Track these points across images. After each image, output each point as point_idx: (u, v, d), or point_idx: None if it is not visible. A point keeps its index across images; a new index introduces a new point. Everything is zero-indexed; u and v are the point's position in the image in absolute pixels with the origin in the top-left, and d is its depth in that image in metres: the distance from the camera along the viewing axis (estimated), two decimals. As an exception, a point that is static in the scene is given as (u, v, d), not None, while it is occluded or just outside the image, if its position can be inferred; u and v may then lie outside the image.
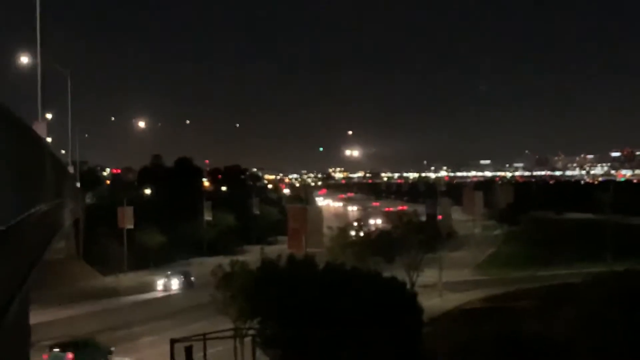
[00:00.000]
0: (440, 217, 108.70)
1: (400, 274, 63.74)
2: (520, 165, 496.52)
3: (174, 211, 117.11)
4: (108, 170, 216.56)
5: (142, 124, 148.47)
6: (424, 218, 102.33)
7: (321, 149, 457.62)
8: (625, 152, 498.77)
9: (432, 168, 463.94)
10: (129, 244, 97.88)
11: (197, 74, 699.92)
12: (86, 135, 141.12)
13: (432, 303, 66.57)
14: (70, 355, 49.91)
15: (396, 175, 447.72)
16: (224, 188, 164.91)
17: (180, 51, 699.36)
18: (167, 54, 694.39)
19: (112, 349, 52.81)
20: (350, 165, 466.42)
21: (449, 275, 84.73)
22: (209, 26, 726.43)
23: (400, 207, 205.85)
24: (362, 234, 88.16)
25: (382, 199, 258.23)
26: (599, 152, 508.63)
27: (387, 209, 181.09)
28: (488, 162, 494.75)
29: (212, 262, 67.59)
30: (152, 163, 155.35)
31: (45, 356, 50.29)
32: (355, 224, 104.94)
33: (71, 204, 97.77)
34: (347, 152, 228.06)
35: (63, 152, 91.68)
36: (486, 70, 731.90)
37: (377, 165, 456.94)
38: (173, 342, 39.13)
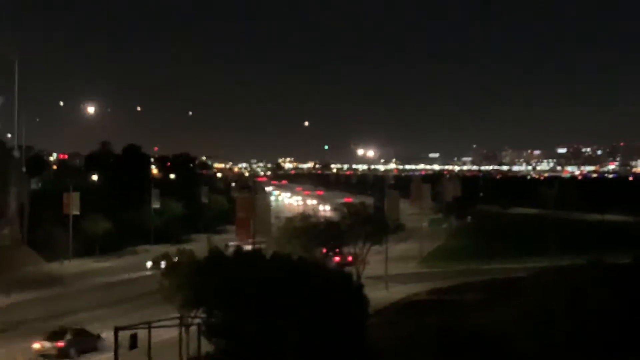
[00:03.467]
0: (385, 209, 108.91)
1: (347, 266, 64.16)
2: (469, 159, 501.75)
3: (121, 198, 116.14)
4: (55, 155, 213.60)
5: (91, 110, 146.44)
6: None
7: (326, 147, 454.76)
8: (571, 149, 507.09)
9: (382, 161, 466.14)
10: (75, 231, 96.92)
11: (152, 61, 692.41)
12: (37, 119, 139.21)
13: (378, 295, 66.87)
14: (60, 343, 49.64)
15: (345, 167, 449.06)
16: (172, 176, 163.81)
17: (136, 39, 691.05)
18: (123, 41, 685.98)
19: (102, 334, 52.37)
20: (299, 155, 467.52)
21: (395, 267, 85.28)
22: (164, 11, 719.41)
23: (345, 199, 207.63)
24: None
25: (330, 190, 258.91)
26: (546, 148, 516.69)
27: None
28: (437, 155, 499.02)
29: (158, 250, 67.40)
30: (100, 149, 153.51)
31: (38, 345, 49.92)
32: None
33: (15, 188, 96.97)
34: (360, 151, 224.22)
35: (9, 135, 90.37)
36: (438, 64, 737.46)
37: (327, 156, 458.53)
38: (117, 329, 38.81)
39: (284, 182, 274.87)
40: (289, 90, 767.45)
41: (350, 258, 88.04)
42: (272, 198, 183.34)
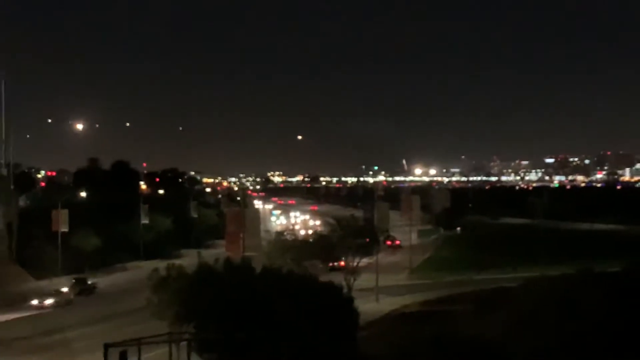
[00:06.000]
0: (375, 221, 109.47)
1: (338, 278, 64.08)
2: (457, 170, 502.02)
3: (110, 214, 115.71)
4: (43, 172, 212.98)
5: (79, 126, 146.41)
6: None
7: (376, 167, 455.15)
8: (559, 159, 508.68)
9: (370, 173, 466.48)
10: (64, 248, 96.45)
11: (139, 77, 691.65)
12: (27, 136, 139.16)
13: (368, 307, 66.93)
14: None
15: (335, 179, 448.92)
16: (161, 191, 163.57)
17: (123, 55, 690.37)
18: (108, 56, 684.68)
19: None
20: (288, 169, 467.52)
21: (385, 279, 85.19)
22: (146, 26, 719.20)
23: (312, 207, 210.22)
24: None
25: (320, 204, 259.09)
26: (534, 159, 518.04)
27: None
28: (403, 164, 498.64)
29: (148, 265, 67.13)
30: (89, 166, 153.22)
31: None
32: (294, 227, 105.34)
33: (3, 206, 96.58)
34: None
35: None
36: (422, 75, 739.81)
37: (316, 169, 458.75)
38: (107, 346, 38.60)
39: (280, 201, 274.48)
40: (276, 104, 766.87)
41: (397, 242, 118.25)
42: (274, 218, 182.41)
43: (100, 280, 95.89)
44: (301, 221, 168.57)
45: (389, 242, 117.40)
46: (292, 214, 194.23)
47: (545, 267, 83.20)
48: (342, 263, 78.94)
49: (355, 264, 76.86)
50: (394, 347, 47.95)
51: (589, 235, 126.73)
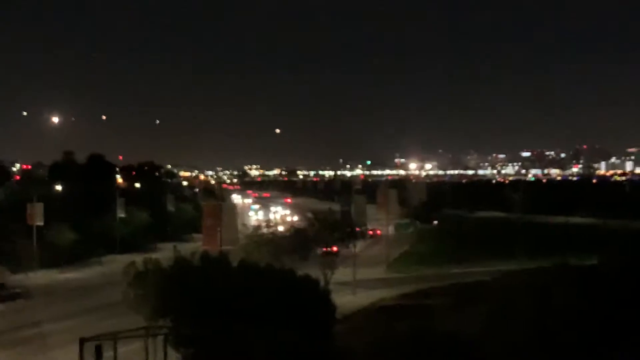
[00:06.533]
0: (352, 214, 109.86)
1: (315, 272, 64.09)
2: (434, 164, 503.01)
3: (86, 208, 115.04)
4: (18, 165, 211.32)
5: (55, 119, 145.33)
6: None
7: (369, 162, 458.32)
8: (535, 153, 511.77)
9: (348, 166, 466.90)
10: (40, 242, 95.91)
11: (116, 70, 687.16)
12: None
13: (345, 300, 66.99)
14: None
15: (312, 173, 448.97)
16: (138, 185, 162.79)
17: (101, 47, 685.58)
18: (87, 49, 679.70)
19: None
20: (266, 162, 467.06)
21: (363, 272, 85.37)
22: (126, 20, 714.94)
23: (286, 199, 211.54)
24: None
25: (297, 197, 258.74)
26: (510, 152, 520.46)
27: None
28: (403, 160, 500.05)
29: (124, 259, 66.77)
30: (64, 159, 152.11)
31: None
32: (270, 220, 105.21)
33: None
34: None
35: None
36: (401, 69, 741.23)
37: (294, 163, 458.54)
38: (82, 341, 38.43)
39: (257, 193, 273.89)
40: (253, 97, 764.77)
41: (379, 232, 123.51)
42: (252, 213, 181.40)
43: (76, 275, 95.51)
44: (280, 216, 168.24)
45: (370, 232, 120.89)
46: (272, 208, 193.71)
47: (522, 260, 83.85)
48: (335, 248, 79.64)
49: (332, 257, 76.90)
50: (371, 341, 48.01)
51: (565, 228, 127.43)
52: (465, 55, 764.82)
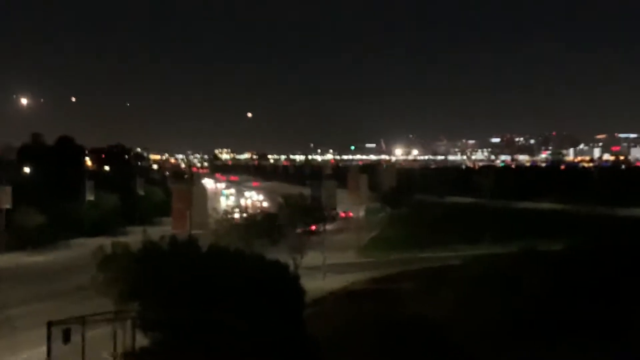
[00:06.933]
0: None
1: (285, 257, 64.10)
2: (405, 149, 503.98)
3: (55, 191, 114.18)
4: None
5: (24, 101, 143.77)
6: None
7: (353, 147, 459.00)
8: (505, 139, 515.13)
9: (319, 151, 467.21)
10: (8, 225, 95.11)
11: (86, 52, 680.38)
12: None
13: (315, 285, 67.03)
14: None
15: (283, 157, 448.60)
16: (107, 168, 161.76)
17: (70, 29, 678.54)
18: (57, 31, 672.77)
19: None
20: (237, 146, 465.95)
21: (333, 257, 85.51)
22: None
23: (254, 183, 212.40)
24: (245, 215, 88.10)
25: (267, 181, 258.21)
26: (480, 138, 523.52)
27: None
28: (373, 145, 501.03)
29: (93, 243, 66.32)
30: (33, 141, 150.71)
31: None
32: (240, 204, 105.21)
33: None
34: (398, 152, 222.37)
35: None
36: (375, 54, 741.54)
37: (265, 147, 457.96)
38: (50, 324, 38.12)
39: (225, 177, 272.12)
40: (224, 82, 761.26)
41: (350, 214, 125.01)
42: (223, 198, 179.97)
43: (43, 258, 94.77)
44: (251, 201, 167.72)
45: (342, 214, 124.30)
46: (246, 193, 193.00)
47: (491, 245, 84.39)
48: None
49: (302, 242, 76.99)
50: (340, 325, 48.18)
51: (534, 214, 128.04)
52: (440, 43, 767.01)
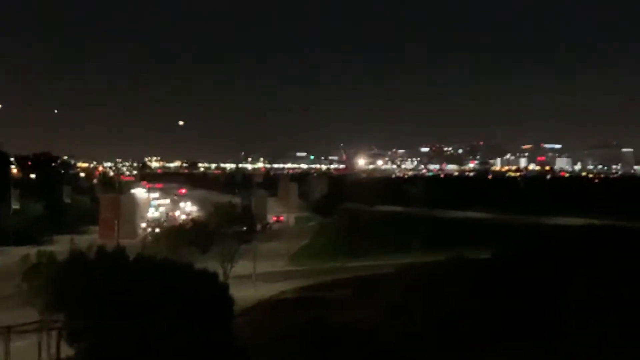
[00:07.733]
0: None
1: (215, 265, 63.87)
2: (336, 158, 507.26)
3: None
4: None
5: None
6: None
7: (312, 157, 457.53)
8: (434, 148, 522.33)
9: (250, 159, 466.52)
10: None
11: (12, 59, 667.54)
12: None
13: (245, 294, 66.92)
14: None
15: (213, 165, 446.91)
16: (33, 175, 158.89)
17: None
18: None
19: None
20: (166, 154, 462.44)
21: (263, 266, 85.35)
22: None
23: (179, 190, 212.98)
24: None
25: (196, 189, 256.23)
26: (410, 147, 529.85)
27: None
28: (304, 154, 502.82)
29: (19, 251, 65.05)
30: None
31: None
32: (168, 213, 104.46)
33: None
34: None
35: None
36: (312, 63, 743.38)
37: (195, 155, 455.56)
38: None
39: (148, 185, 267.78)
40: (154, 89, 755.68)
41: (282, 218, 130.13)
42: (152, 210, 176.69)
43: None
44: (183, 210, 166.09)
45: (274, 218, 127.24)
46: (181, 204, 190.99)
47: (419, 254, 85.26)
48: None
49: (232, 251, 76.72)
50: (270, 334, 48.16)
51: (462, 223, 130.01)
52: (365, 50, 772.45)
